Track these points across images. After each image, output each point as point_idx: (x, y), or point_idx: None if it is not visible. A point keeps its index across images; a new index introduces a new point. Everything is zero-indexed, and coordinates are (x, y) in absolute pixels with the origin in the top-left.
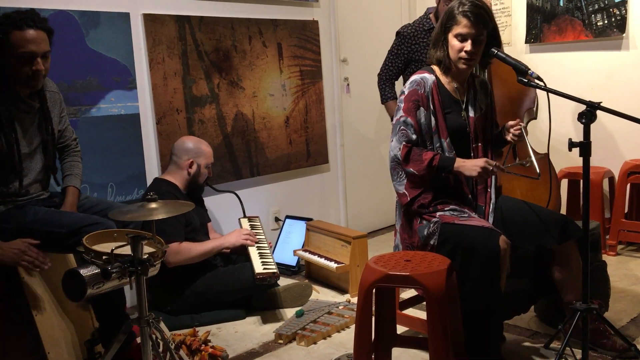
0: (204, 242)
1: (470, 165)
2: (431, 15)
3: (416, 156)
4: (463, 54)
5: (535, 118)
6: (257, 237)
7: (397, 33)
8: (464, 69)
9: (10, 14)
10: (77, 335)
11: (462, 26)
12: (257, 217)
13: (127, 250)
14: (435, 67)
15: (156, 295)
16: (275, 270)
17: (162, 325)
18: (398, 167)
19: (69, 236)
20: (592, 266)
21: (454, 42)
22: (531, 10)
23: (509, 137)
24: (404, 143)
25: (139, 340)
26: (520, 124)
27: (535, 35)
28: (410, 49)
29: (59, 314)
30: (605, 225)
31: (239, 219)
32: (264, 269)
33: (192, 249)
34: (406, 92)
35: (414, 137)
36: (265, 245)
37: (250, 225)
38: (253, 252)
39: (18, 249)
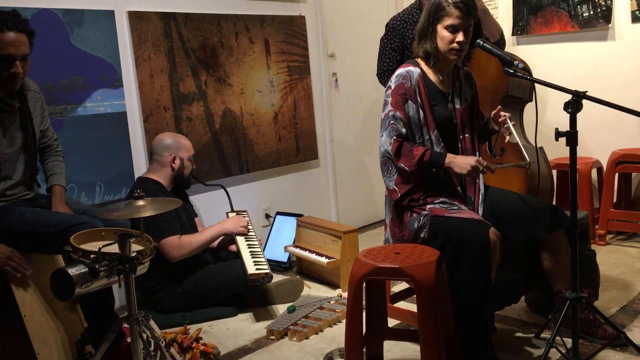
0: (202, 232)
1: (460, 162)
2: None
3: (407, 151)
4: (455, 45)
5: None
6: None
7: (386, 25)
8: (454, 60)
9: None
10: (67, 335)
11: (453, 17)
12: (245, 211)
13: (115, 248)
14: (419, 60)
15: (147, 294)
16: (267, 271)
17: (152, 323)
18: (389, 162)
19: (57, 236)
20: (581, 255)
21: (444, 34)
22: (517, 2)
23: (496, 127)
24: (394, 137)
25: (129, 339)
26: (504, 114)
27: (521, 27)
28: (401, 40)
29: (48, 314)
30: (594, 215)
31: (227, 213)
32: (257, 269)
33: (193, 241)
34: (393, 86)
35: (404, 131)
36: (256, 242)
37: None
38: (244, 250)
39: (3, 253)
